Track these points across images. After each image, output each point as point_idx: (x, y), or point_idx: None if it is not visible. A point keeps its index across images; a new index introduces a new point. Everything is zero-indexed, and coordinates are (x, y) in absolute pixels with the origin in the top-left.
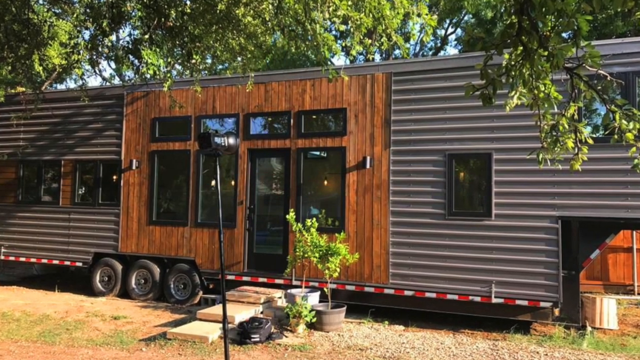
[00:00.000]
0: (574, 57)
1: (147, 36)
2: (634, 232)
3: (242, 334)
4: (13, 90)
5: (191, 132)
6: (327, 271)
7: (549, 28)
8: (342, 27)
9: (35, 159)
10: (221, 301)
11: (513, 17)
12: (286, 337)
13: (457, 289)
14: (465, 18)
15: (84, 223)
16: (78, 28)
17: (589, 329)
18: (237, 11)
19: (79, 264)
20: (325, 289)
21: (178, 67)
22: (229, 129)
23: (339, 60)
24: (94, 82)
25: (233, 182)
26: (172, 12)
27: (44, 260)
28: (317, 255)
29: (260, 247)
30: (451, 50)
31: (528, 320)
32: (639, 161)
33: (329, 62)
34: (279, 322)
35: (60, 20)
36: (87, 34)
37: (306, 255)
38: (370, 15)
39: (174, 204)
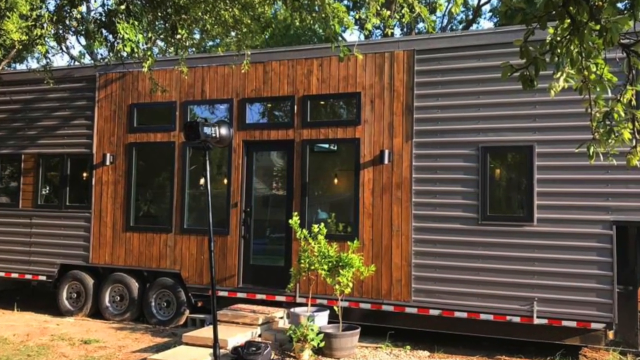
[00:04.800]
0: (631, 32)
1: (123, 6)
2: None
3: None
4: None
5: (176, 121)
6: (337, 286)
7: None
8: None
9: None
10: (211, 322)
11: None
12: None
13: (492, 308)
14: None
15: (49, 229)
16: None
17: None
18: None
19: (43, 278)
20: (335, 308)
21: (160, 43)
22: (220, 117)
23: (352, 36)
24: (60, 61)
25: (226, 181)
26: None
27: (1, 274)
28: (325, 267)
29: (258, 258)
30: (485, 24)
31: (577, 344)
32: None
33: (340, 38)
34: (280, 347)
35: None
36: (52, 4)
37: (313, 268)
38: None
39: (156, 206)
